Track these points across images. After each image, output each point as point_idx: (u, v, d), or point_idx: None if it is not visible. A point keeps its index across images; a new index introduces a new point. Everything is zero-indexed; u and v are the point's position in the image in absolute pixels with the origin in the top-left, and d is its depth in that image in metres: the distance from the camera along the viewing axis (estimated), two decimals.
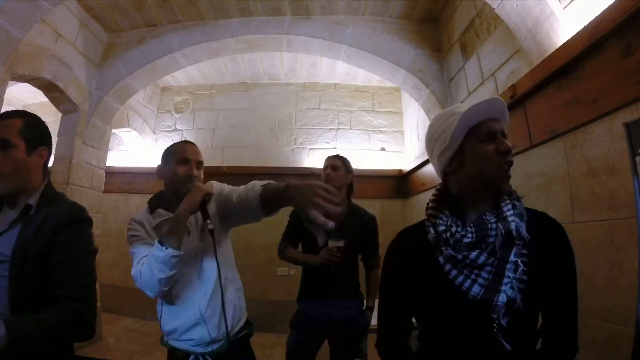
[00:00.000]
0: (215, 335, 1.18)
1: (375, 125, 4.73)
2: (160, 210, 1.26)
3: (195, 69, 4.45)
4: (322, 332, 1.78)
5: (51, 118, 4.87)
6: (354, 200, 1.99)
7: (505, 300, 0.72)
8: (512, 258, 0.74)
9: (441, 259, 0.80)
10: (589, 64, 1.47)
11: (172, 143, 1.36)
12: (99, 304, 3.43)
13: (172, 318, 1.20)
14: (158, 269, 1.05)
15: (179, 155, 1.26)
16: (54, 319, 0.85)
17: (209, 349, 1.19)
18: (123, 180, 4.53)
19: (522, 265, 0.74)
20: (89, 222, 1.04)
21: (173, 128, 4.91)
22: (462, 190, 0.84)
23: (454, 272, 0.77)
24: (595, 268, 1.41)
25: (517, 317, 0.74)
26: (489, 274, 0.74)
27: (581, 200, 1.53)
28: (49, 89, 3.06)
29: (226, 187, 1.27)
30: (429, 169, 3.52)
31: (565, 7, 1.67)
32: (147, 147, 4.75)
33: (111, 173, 4.06)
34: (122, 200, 4.56)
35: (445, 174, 0.87)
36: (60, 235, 0.94)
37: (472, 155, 0.80)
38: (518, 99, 1.91)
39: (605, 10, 1.35)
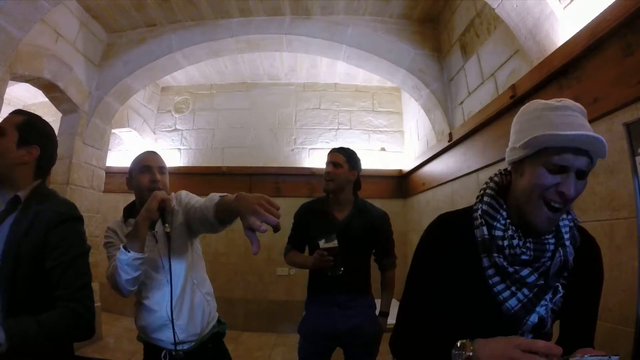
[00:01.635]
0: (184, 337, 1.26)
1: (375, 125, 4.73)
2: (131, 220, 1.32)
3: (195, 69, 4.44)
4: (331, 342, 1.65)
5: (51, 118, 4.86)
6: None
7: (536, 320, 0.70)
8: (555, 283, 0.72)
9: (485, 261, 0.74)
10: (589, 64, 1.47)
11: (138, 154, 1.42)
12: (98, 303, 3.43)
13: (143, 317, 1.28)
14: (124, 270, 1.13)
15: (140, 165, 1.35)
16: (53, 321, 0.84)
17: (179, 347, 1.25)
18: (123, 180, 4.48)
19: (561, 291, 0.72)
20: (80, 219, 1.04)
21: (173, 128, 4.90)
22: (517, 199, 0.75)
23: (495, 279, 0.73)
24: None
25: (540, 335, 0.72)
26: (530, 292, 0.71)
27: (581, 200, 1.53)
28: (49, 89, 3.06)
29: (194, 198, 1.33)
30: (429, 169, 3.52)
31: (565, 7, 1.67)
32: (147, 147, 4.74)
33: (111, 173, 4.06)
34: (122, 200, 4.52)
35: (513, 168, 0.77)
36: (53, 234, 0.93)
37: (528, 175, 0.70)
38: (518, 99, 1.91)
39: (605, 10, 1.34)
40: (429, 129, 3.55)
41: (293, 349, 3.28)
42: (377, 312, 1.76)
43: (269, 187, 4.24)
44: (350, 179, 1.71)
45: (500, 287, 0.72)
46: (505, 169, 0.82)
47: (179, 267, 1.28)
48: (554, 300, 0.71)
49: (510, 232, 0.73)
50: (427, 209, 3.62)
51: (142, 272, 1.19)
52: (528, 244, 0.72)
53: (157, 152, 1.43)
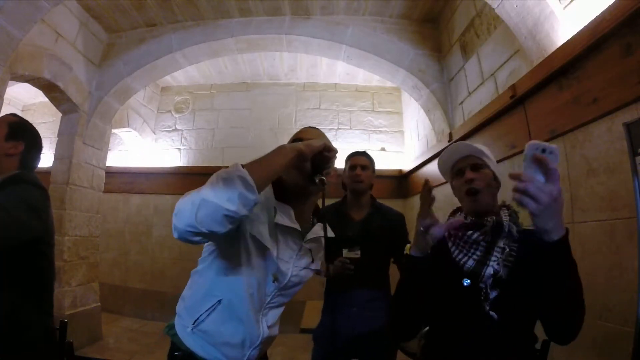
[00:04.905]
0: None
1: (375, 125, 4.73)
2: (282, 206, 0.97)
3: (195, 69, 4.44)
4: (348, 348, 1.57)
5: (51, 118, 4.88)
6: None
7: (492, 272, 0.92)
8: (500, 244, 0.95)
9: (450, 244, 1.02)
10: (589, 64, 1.47)
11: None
12: (98, 304, 3.43)
13: (223, 322, 0.92)
14: (226, 194, 0.70)
15: (294, 137, 1.04)
16: None
17: None
18: (123, 180, 4.52)
19: (508, 248, 0.94)
20: (32, 184, 1.10)
21: (173, 128, 4.91)
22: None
23: (456, 252, 1.00)
24: (595, 268, 1.41)
25: (504, 291, 0.90)
26: (481, 252, 0.96)
27: (581, 200, 1.53)
28: (49, 89, 3.06)
29: None
30: (429, 169, 3.52)
31: (565, 7, 1.67)
32: (147, 147, 4.75)
33: (111, 173, 4.06)
34: (122, 200, 4.56)
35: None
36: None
37: (453, 190, 1.08)
38: (518, 99, 1.91)
39: (605, 10, 1.34)
40: (429, 129, 3.55)
41: (293, 348, 3.29)
42: None
43: None
44: (372, 182, 1.76)
45: (460, 256, 0.99)
46: None
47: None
48: (503, 257, 0.93)
49: (459, 214, 1.07)
50: None
51: (236, 224, 0.76)
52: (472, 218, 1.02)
53: (316, 127, 1.11)
